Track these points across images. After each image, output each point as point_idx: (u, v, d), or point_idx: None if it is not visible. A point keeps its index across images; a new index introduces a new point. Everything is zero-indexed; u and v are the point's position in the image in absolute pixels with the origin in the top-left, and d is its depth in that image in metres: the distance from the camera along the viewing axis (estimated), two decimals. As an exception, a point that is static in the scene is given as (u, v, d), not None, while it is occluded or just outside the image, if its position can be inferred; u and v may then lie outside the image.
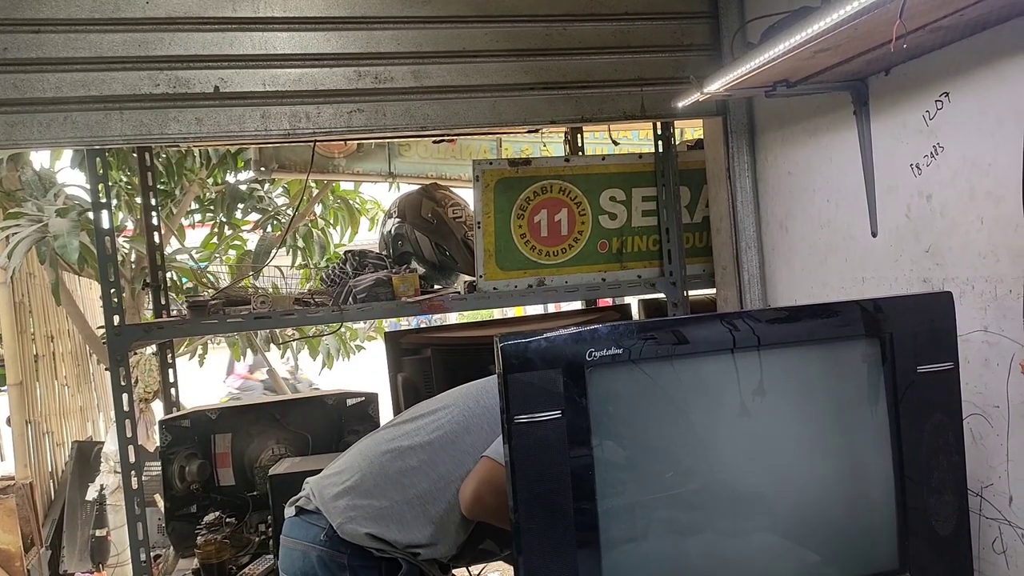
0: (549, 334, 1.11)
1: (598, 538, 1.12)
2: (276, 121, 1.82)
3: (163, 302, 2.36)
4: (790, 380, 1.23)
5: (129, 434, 1.86)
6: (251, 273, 4.29)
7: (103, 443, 3.93)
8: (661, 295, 2.18)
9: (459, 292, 2.16)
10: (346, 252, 2.19)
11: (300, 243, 4.78)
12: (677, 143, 2.27)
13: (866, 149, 1.52)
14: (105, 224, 1.87)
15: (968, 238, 1.31)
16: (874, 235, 1.51)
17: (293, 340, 5.31)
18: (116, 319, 1.85)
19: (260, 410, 2.34)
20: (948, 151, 1.34)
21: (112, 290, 1.86)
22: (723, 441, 1.22)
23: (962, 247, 1.32)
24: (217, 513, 2.09)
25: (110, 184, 2.02)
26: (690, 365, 1.19)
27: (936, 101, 1.35)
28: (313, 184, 4.53)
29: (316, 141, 2.54)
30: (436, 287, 2.26)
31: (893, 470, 1.23)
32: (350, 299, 1.96)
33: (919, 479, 1.22)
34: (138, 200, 3.41)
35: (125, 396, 1.87)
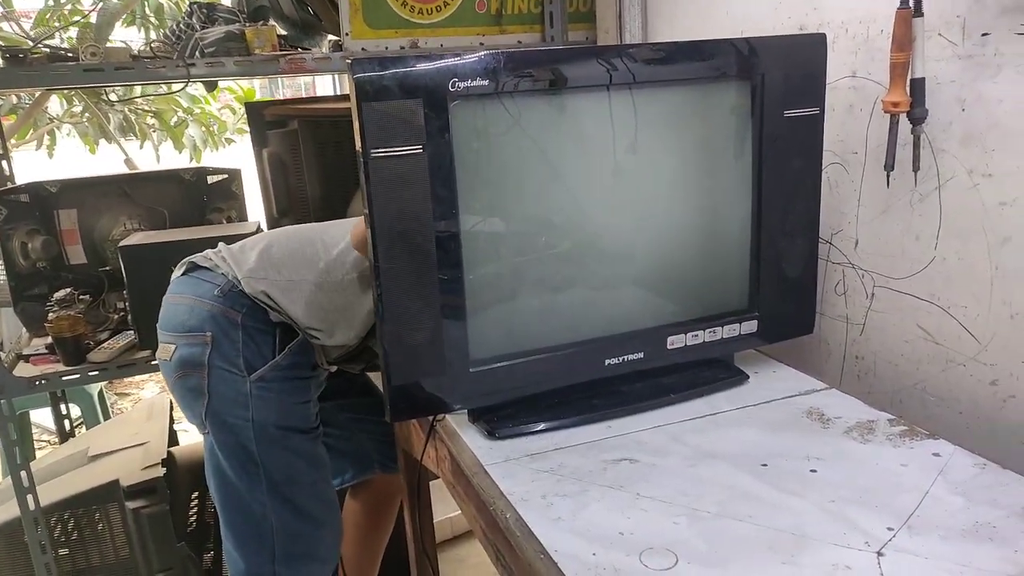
0: (409, 60, 1.02)
1: (461, 275, 1.10)
2: None
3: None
4: (662, 122, 1.20)
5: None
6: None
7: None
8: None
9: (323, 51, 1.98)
10: (191, 3, 1.94)
11: (153, 18, 4.26)
12: None
13: None
14: None
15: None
16: (755, -18, 1.46)
17: (153, 130, 4.91)
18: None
19: (107, 184, 2.16)
20: None
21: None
22: (592, 184, 1.19)
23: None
24: (69, 290, 1.97)
25: None
26: (562, 102, 1.13)
27: None
28: (160, -55, 3.98)
29: None
30: (299, 50, 2.06)
31: (751, 215, 1.25)
32: (196, 54, 1.76)
33: (775, 224, 1.26)
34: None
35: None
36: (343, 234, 1.49)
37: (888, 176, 1.21)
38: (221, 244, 1.54)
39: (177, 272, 1.52)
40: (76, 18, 4.26)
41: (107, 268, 2.11)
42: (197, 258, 1.51)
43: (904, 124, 1.16)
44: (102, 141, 4.70)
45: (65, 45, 2.41)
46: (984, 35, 1.07)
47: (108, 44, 1.93)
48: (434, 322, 1.09)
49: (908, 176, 1.20)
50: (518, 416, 1.20)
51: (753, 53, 1.18)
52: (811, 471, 1.03)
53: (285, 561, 1.50)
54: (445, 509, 2.34)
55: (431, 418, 1.27)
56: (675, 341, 1.26)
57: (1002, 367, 1.13)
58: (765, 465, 1.05)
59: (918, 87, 1.13)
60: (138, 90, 4.42)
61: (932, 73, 1.14)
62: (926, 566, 0.83)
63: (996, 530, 0.89)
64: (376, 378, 1.76)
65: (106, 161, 4.71)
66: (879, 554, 0.86)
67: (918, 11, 1.10)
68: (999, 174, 1.09)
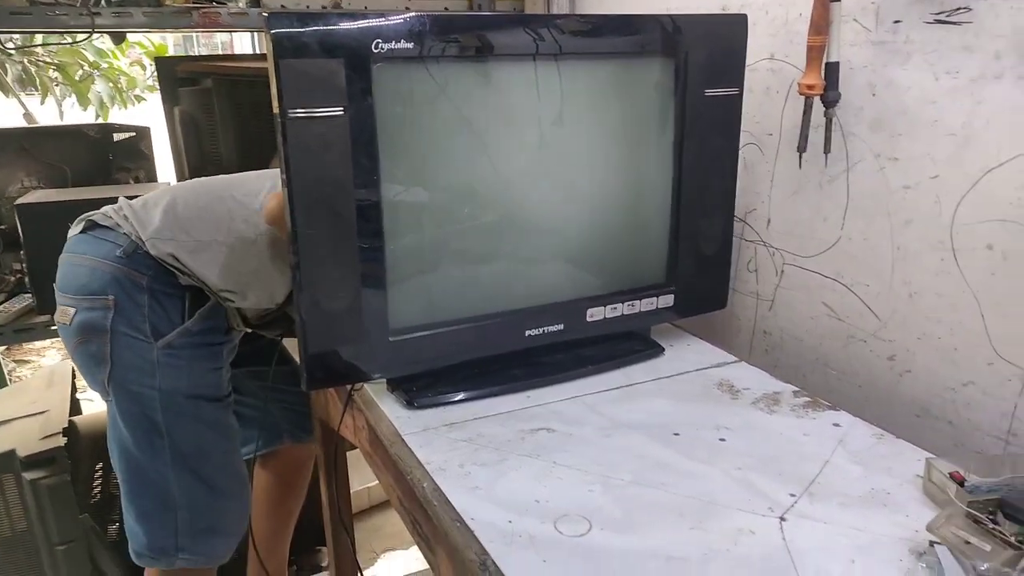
0: (331, 18, 0.98)
1: (382, 244, 1.08)
2: None
3: None
4: (586, 95, 1.20)
5: None
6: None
7: None
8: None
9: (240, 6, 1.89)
10: (98, -52, 1.82)
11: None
12: None
13: None
14: None
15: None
16: (681, -38, 1.47)
17: (56, 84, 4.63)
18: None
19: (4, 138, 2.03)
20: None
21: None
22: (516, 156, 1.19)
23: (762, -28, 1.32)
24: (-41, 250, 1.85)
25: None
26: (488, 69, 1.11)
27: None
28: None
29: None
30: (214, 3, 1.97)
31: (671, 192, 1.27)
32: (102, 3, 1.65)
33: (693, 201, 1.28)
34: None
35: None
36: (256, 191, 1.43)
37: (800, 158, 1.25)
38: (122, 200, 1.45)
39: (75, 229, 1.43)
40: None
41: (2, 227, 1.99)
42: (96, 216, 1.42)
43: (818, 107, 1.20)
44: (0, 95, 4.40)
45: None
46: (896, 22, 1.11)
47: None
48: (353, 290, 1.07)
49: (819, 158, 1.24)
50: (437, 386, 1.19)
51: (677, 30, 1.20)
52: (720, 440, 1.07)
53: (189, 535, 1.46)
54: (363, 479, 2.33)
55: (349, 387, 1.25)
56: (594, 313, 1.28)
57: (899, 343, 1.19)
58: (677, 434, 1.08)
59: (832, 71, 1.16)
60: (39, 39, 4.16)
61: (846, 58, 1.17)
62: (825, 530, 0.87)
63: (890, 496, 0.94)
64: (291, 345, 1.72)
65: (3, 115, 4.42)
66: (782, 519, 0.90)
67: (835, -4, 1.13)
68: (904, 159, 1.14)
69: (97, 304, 1.34)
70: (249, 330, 1.53)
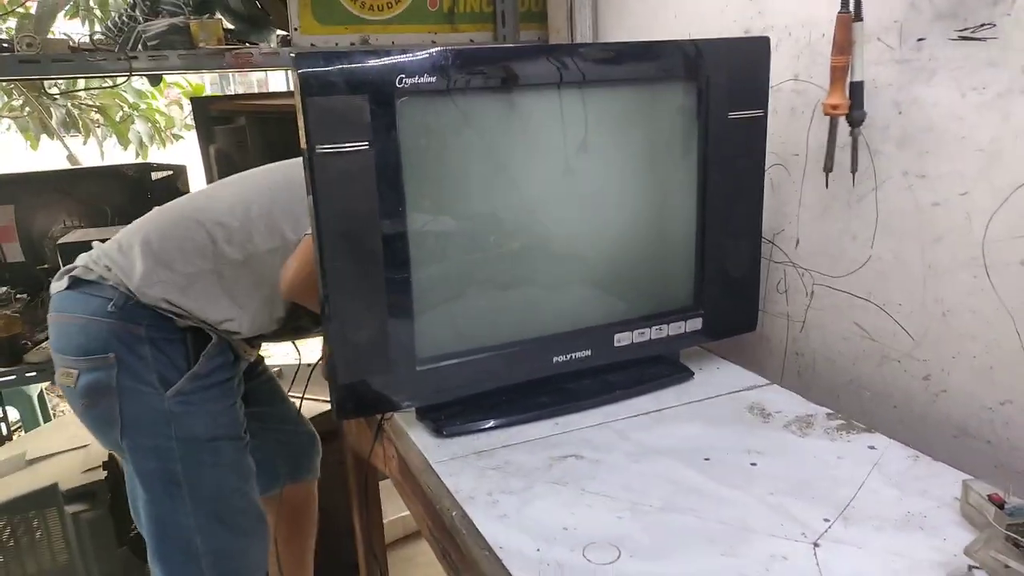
0: (355, 56, 1.01)
1: (409, 274, 1.09)
2: None
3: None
4: (610, 121, 1.21)
5: None
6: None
7: None
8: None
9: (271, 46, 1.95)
10: (135, -5, 1.89)
11: (96, 10, 4.15)
12: None
13: None
14: None
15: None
16: (702, -14, 1.48)
17: (97, 125, 4.78)
18: None
19: (46, 180, 2.10)
20: None
21: None
22: (541, 183, 1.20)
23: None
24: (5, 289, 1.91)
25: None
26: (512, 100, 1.13)
27: None
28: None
29: None
30: (246, 45, 2.03)
31: (696, 216, 1.27)
32: (139, 47, 1.72)
33: (719, 224, 1.28)
34: None
35: None
36: (230, 208, 1.37)
37: (827, 177, 1.24)
38: (97, 246, 1.40)
39: (59, 285, 1.37)
40: (15, 8, 4.12)
41: (45, 266, 2.05)
42: (78, 271, 1.36)
43: (843, 127, 1.19)
44: (44, 137, 4.56)
45: (3, 36, 2.34)
46: (920, 40, 1.11)
47: (49, 36, 1.88)
48: (381, 321, 1.09)
49: (847, 177, 1.23)
50: (466, 414, 1.20)
51: (700, 55, 1.20)
52: (751, 464, 1.06)
53: None
54: (396, 509, 2.33)
55: (379, 417, 1.26)
56: (622, 339, 1.27)
57: (934, 363, 1.17)
58: (708, 459, 1.07)
59: (857, 90, 1.16)
60: (81, 84, 4.31)
61: (871, 77, 1.17)
62: (860, 556, 0.86)
63: (927, 520, 0.92)
64: (288, 377, 1.72)
65: (48, 157, 4.57)
66: (815, 545, 0.88)
67: (858, 16, 1.13)
68: (932, 176, 1.13)
69: (99, 363, 1.31)
70: (253, 358, 1.52)
